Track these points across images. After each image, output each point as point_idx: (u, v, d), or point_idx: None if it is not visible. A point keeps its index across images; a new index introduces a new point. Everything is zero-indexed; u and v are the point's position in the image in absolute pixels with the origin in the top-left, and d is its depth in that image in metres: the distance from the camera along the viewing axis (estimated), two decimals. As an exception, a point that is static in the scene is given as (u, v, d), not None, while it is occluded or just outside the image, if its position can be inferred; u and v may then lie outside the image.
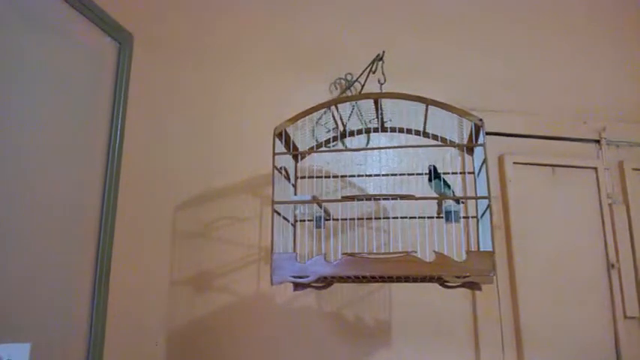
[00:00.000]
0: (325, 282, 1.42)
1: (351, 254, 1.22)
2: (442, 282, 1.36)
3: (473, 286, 1.30)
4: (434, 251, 1.20)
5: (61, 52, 1.38)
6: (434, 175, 1.39)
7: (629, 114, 2.03)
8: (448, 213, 1.37)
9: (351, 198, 1.33)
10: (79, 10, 1.41)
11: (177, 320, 1.56)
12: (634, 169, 1.94)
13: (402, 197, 1.32)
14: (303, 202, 1.37)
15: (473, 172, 1.41)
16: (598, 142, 1.97)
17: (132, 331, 1.49)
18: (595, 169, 1.93)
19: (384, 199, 1.31)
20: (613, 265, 1.84)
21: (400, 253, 1.20)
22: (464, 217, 1.42)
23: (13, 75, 1.22)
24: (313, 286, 1.33)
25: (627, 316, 1.81)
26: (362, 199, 1.33)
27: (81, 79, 1.45)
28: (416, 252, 1.21)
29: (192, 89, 1.74)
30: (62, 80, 1.38)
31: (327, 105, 1.37)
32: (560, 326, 1.76)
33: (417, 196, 1.31)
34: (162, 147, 1.67)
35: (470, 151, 1.44)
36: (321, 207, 1.41)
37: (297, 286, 1.34)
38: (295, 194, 1.43)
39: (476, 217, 1.38)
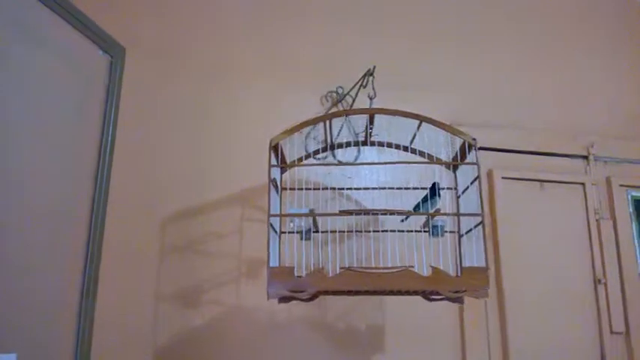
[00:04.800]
0: (312, 294, 1.42)
1: (349, 268, 1.21)
2: (425, 295, 1.37)
3: (456, 300, 1.31)
4: (430, 266, 1.22)
5: (54, 64, 1.39)
6: (437, 192, 1.39)
7: (617, 131, 2.05)
8: (435, 227, 1.39)
9: (349, 212, 1.33)
10: (72, 24, 1.43)
11: (165, 333, 1.55)
12: (621, 185, 1.96)
13: (399, 213, 1.33)
14: (300, 215, 1.35)
15: (455, 189, 1.42)
16: (586, 158, 1.99)
17: (119, 343, 1.49)
18: (583, 184, 1.94)
19: (382, 213, 1.31)
20: (600, 281, 1.85)
21: (399, 267, 1.21)
22: (450, 232, 1.43)
23: (5, 87, 1.23)
24: (298, 299, 1.32)
25: (613, 332, 1.82)
26: (360, 214, 1.33)
27: (73, 92, 1.46)
28: (413, 266, 1.22)
29: (182, 102, 1.75)
30: (54, 93, 1.40)
31: (323, 119, 1.37)
32: (547, 340, 1.77)
33: (408, 211, 1.33)
34: (151, 160, 1.68)
35: (454, 167, 1.45)
36: (315, 220, 1.40)
37: (282, 298, 1.33)
38: (281, 205, 1.43)
39: (458, 232, 1.39)
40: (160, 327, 1.55)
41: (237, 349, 1.59)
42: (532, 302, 1.79)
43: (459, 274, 1.22)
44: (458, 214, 1.35)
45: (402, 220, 1.47)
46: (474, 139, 1.29)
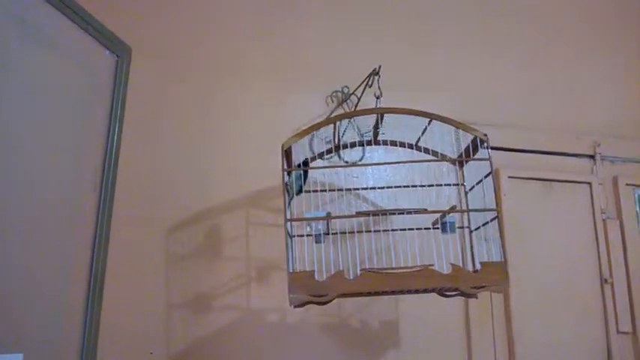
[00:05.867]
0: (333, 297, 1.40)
1: (371, 269, 1.20)
2: (441, 292, 1.36)
3: (470, 295, 1.31)
4: (450, 263, 1.22)
5: (60, 64, 1.39)
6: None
7: (624, 130, 2.05)
8: (445, 224, 1.39)
9: (366, 214, 1.32)
10: (77, 24, 1.42)
11: (172, 337, 1.54)
12: (628, 185, 1.96)
13: (416, 212, 1.32)
14: (318, 219, 1.34)
15: (459, 184, 1.42)
16: (592, 157, 1.98)
17: (125, 345, 1.48)
18: (589, 184, 1.94)
19: (399, 213, 1.30)
20: (606, 280, 1.84)
21: (419, 266, 1.21)
22: (466, 227, 1.44)
23: (10, 86, 1.23)
24: (316, 303, 1.27)
25: (620, 331, 1.81)
26: (377, 215, 1.33)
27: (78, 92, 1.46)
28: (433, 265, 1.22)
29: (186, 103, 1.73)
30: (59, 92, 1.39)
31: (334, 120, 1.37)
32: (553, 340, 1.77)
33: (423, 209, 1.33)
34: (155, 161, 1.66)
35: (460, 164, 1.44)
36: (329, 223, 1.38)
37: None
38: (290, 208, 1.42)
39: (469, 227, 1.39)
40: (164, 330, 1.54)
41: (249, 353, 1.57)
42: (538, 302, 1.79)
43: (478, 270, 1.22)
44: (473, 210, 1.35)
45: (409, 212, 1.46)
46: (485, 135, 1.29)
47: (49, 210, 1.33)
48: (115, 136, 1.54)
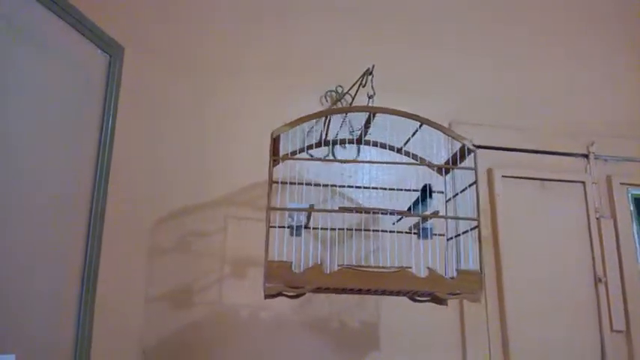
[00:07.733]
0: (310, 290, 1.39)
1: (349, 266, 1.21)
2: (411, 295, 1.36)
3: (440, 301, 1.31)
4: (427, 267, 1.21)
5: (51, 64, 1.39)
6: (429, 194, 1.38)
7: (618, 129, 2.05)
8: (424, 230, 1.39)
9: (349, 210, 1.32)
10: (69, 23, 1.42)
11: (160, 334, 1.54)
12: (622, 184, 1.96)
13: (398, 212, 1.32)
14: (300, 210, 1.33)
15: (443, 192, 1.42)
16: (586, 156, 1.98)
17: (118, 343, 1.48)
18: (583, 183, 1.94)
19: (382, 213, 1.30)
20: (600, 279, 1.85)
21: (396, 267, 1.21)
22: (440, 235, 1.43)
23: (2, 86, 1.23)
24: (285, 295, 1.28)
25: (614, 330, 1.81)
26: (360, 212, 1.33)
27: (70, 92, 1.46)
28: (411, 267, 1.22)
29: (181, 103, 1.74)
30: (52, 92, 1.39)
31: (324, 114, 1.37)
32: (548, 339, 1.77)
33: (407, 211, 1.32)
34: (147, 160, 1.66)
35: (445, 171, 1.44)
36: (309, 216, 1.38)
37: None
38: (269, 199, 1.39)
39: (446, 234, 1.39)
40: (156, 328, 1.54)
41: (228, 349, 1.57)
42: (532, 301, 1.79)
43: (454, 277, 1.22)
44: (454, 218, 1.35)
45: (394, 223, 1.47)
46: (474, 145, 1.29)
47: (42, 210, 1.33)
48: (108, 135, 1.54)
